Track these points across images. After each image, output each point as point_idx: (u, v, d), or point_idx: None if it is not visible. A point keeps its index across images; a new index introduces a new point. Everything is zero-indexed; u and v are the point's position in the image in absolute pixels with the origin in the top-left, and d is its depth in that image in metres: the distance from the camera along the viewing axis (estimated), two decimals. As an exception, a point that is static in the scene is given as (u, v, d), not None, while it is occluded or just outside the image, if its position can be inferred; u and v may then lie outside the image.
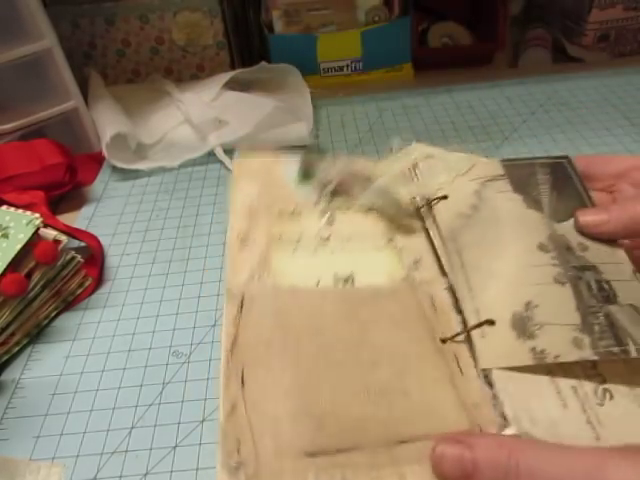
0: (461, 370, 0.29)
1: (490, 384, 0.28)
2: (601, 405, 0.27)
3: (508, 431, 0.26)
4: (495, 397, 0.28)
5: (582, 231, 0.33)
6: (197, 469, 0.31)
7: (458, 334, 0.31)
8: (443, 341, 0.31)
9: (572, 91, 0.63)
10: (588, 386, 0.28)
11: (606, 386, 0.28)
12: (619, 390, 0.28)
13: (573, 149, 0.53)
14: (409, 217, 0.37)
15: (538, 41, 0.72)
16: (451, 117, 0.61)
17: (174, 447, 0.32)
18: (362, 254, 0.35)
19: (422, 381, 0.28)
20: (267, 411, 0.26)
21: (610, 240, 0.33)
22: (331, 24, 0.67)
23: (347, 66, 0.70)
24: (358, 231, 0.37)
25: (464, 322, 0.31)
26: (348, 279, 0.34)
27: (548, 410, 0.27)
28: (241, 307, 0.30)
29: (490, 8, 0.69)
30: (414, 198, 0.38)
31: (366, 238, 0.36)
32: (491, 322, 0.30)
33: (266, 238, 0.35)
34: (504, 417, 0.27)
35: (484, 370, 0.29)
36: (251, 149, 0.42)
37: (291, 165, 0.39)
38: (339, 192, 0.38)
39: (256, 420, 0.26)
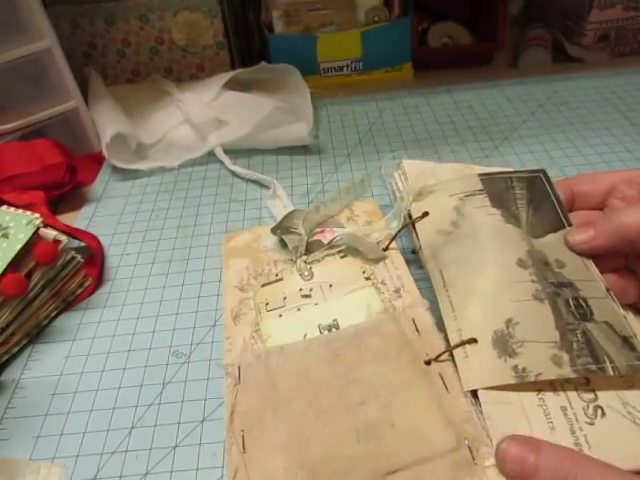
0: (447, 388, 0.30)
1: (477, 403, 0.29)
2: (591, 424, 0.27)
3: (492, 460, 0.26)
4: (481, 418, 0.28)
5: (574, 250, 0.34)
6: (197, 469, 0.31)
7: (441, 354, 0.31)
8: (427, 363, 0.31)
9: (572, 91, 0.63)
10: (578, 404, 0.28)
11: (598, 403, 0.28)
12: (611, 406, 0.28)
13: (573, 149, 0.53)
14: (382, 255, 0.40)
15: (538, 41, 0.72)
16: (451, 117, 0.61)
17: (174, 447, 0.32)
18: (344, 298, 0.37)
19: (408, 409, 0.29)
20: (265, 469, 0.28)
21: (586, 257, 0.33)
22: (331, 24, 0.67)
23: (347, 66, 0.70)
24: (338, 276, 0.39)
25: (447, 340, 0.32)
26: (332, 326, 0.35)
27: (534, 435, 0.27)
28: (238, 377, 0.33)
29: (490, 8, 0.69)
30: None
31: (346, 281, 0.39)
32: (473, 340, 0.31)
33: (255, 308, 0.37)
34: (490, 442, 0.27)
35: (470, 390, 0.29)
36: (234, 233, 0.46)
37: (271, 235, 0.43)
38: (312, 247, 0.41)
39: (256, 479, 0.28)
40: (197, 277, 0.44)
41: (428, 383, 0.30)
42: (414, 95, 0.66)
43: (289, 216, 0.43)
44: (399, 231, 0.40)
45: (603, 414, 0.27)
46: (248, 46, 0.74)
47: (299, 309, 0.37)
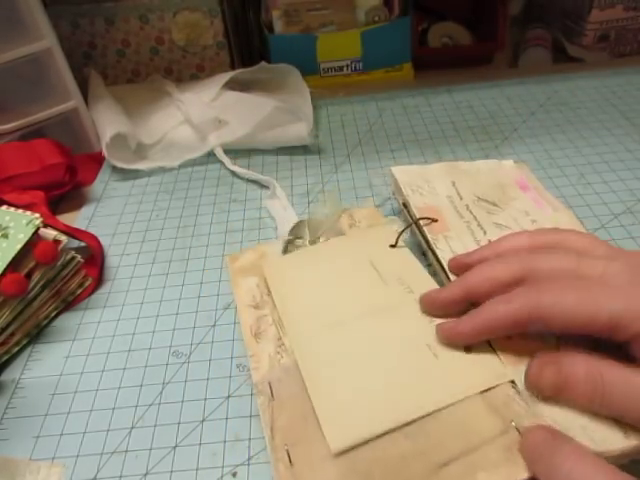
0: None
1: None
2: None
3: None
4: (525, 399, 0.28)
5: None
6: (197, 469, 0.31)
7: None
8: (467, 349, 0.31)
9: (572, 91, 0.63)
10: None
11: None
12: None
13: (573, 149, 0.53)
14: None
15: (538, 41, 0.72)
16: (451, 117, 0.61)
17: (174, 447, 0.32)
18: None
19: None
20: (317, 478, 0.27)
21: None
22: (331, 24, 0.67)
23: (347, 66, 0.70)
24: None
25: None
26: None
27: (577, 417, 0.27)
28: (271, 394, 0.32)
29: (490, 8, 0.69)
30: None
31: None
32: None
33: (275, 324, 0.37)
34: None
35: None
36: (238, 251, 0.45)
37: (278, 252, 0.43)
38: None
39: None
40: (197, 277, 0.44)
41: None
42: (414, 95, 0.66)
43: (296, 227, 0.43)
44: (404, 230, 0.40)
45: None
46: (248, 46, 0.74)
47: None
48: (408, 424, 0.28)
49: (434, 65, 0.72)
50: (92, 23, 0.66)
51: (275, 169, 0.56)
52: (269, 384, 0.33)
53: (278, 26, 0.67)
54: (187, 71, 0.70)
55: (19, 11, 0.51)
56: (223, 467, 0.31)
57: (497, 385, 0.29)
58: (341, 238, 0.42)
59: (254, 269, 0.41)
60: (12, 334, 0.39)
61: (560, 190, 0.48)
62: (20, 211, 0.40)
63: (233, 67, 0.70)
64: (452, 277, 0.35)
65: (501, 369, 0.30)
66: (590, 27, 0.68)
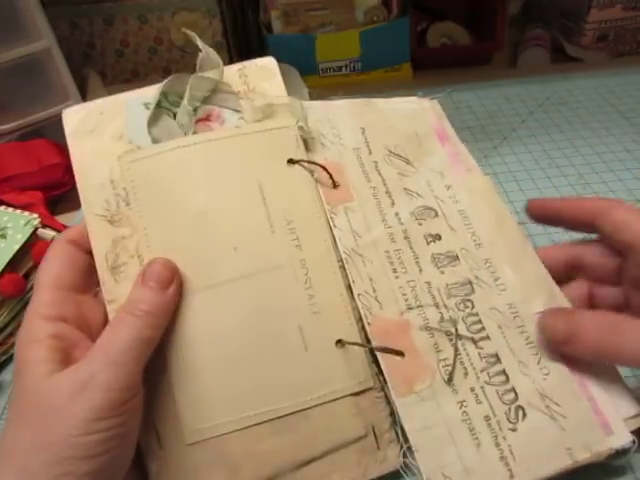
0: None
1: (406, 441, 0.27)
2: (514, 430, 0.27)
3: (394, 446, 0.27)
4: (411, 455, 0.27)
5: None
6: (195, 469, 0.31)
7: (361, 344, 0.29)
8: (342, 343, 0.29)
9: (571, 91, 0.63)
10: (501, 410, 0.27)
11: (519, 403, 0.27)
12: (532, 403, 0.27)
13: (572, 149, 0.53)
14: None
15: (537, 41, 0.72)
16: (450, 117, 0.61)
17: (172, 447, 0.32)
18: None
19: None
20: (185, 461, 0.26)
21: None
22: (330, 24, 0.67)
23: (346, 66, 0.70)
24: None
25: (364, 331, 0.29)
26: None
27: (462, 458, 0.26)
28: None
29: (489, 8, 0.69)
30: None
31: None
32: (400, 353, 0.28)
33: (137, 257, 0.29)
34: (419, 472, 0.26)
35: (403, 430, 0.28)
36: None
37: (140, 124, 0.31)
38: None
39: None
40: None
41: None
42: (413, 95, 0.66)
43: (173, 82, 0.33)
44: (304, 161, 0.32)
45: (524, 415, 0.27)
46: (247, 46, 0.74)
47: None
48: (277, 418, 0.27)
49: (433, 65, 0.71)
50: (91, 23, 0.66)
51: (274, 169, 0.55)
52: None
53: (277, 26, 0.67)
54: (186, 71, 0.70)
55: (18, 11, 0.51)
56: (221, 467, 0.31)
57: (367, 389, 0.28)
58: (229, 135, 0.32)
59: (108, 148, 0.30)
60: (10, 334, 0.38)
61: (559, 190, 0.48)
62: (18, 211, 0.40)
63: (232, 67, 0.70)
64: (346, 266, 0.30)
65: (370, 373, 0.28)
66: (589, 27, 0.68)
